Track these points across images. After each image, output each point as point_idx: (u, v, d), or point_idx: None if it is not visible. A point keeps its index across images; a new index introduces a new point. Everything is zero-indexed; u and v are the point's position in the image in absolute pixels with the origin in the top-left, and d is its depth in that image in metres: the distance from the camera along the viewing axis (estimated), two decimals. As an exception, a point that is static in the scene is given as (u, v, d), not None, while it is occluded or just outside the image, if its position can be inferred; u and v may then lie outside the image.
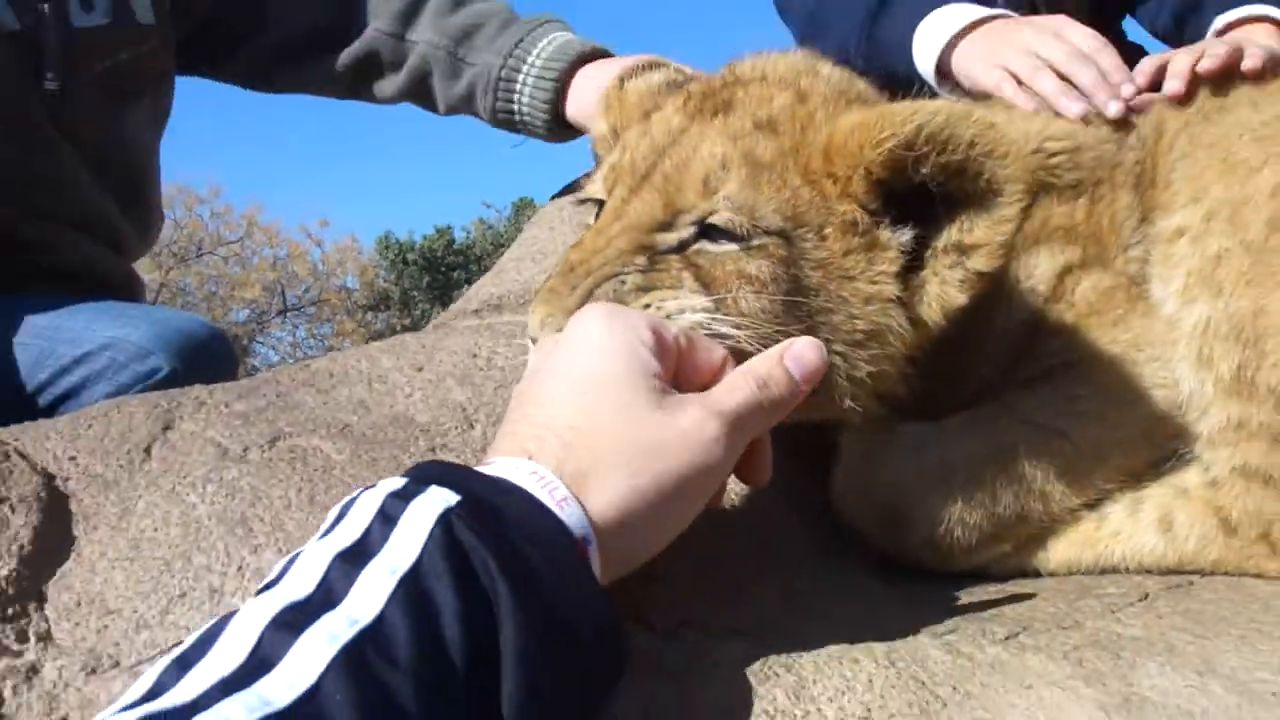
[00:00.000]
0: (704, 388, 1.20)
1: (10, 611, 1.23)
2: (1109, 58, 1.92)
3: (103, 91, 2.76)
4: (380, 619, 0.88)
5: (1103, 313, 1.59)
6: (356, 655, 0.85)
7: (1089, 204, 1.67)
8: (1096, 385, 1.56)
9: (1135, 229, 1.66)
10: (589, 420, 1.10)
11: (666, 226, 1.39)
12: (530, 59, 2.63)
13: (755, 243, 1.38)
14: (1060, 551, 1.53)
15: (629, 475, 1.08)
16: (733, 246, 1.38)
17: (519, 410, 1.16)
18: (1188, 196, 1.59)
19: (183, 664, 0.86)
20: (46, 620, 1.24)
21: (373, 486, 1.02)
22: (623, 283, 1.35)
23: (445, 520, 0.95)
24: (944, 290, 1.43)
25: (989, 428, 1.55)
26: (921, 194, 1.41)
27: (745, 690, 1.14)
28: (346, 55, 2.88)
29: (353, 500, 1.02)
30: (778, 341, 1.28)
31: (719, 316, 1.33)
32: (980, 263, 1.41)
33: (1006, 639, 1.27)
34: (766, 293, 1.37)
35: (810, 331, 1.37)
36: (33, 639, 1.22)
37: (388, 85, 2.92)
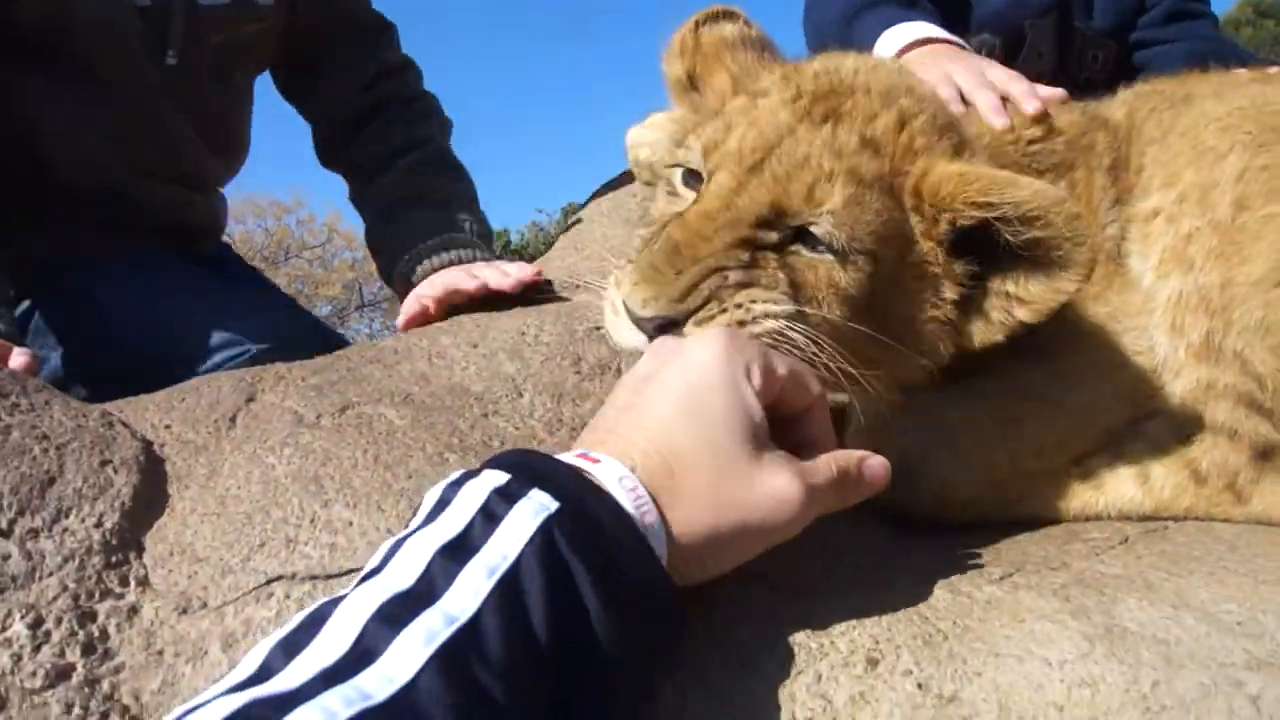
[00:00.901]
0: (790, 421, 1.18)
1: (114, 559, 1.24)
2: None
3: (215, 64, 2.77)
4: (476, 618, 0.84)
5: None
6: (453, 653, 0.82)
7: (1068, 187, 1.65)
8: (1081, 354, 1.56)
9: (1110, 209, 1.66)
10: (693, 452, 1.04)
11: (769, 224, 1.34)
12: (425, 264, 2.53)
13: (850, 258, 1.35)
14: (1051, 502, 1.52)
15: (713, 518, 1.04)
16: (829, 257, 1.35)
17: (630, 412, 1.10)
18: (1162, 181, 1.60)
19: (289, 648, 0.82)
20: (145, 567, 1.26)
21: (476, 475, 0.98)
22: (725, 278, 1.29)
23: (546, 528, 0.91)
24: (987, 328, 1.43)
25: (987, 395, 1.54)
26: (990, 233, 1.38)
27: (763, 624, 1.14)
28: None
29: (456, 487, 0.98)
30: (838, 360, 1.29)
31: (798, 326, 1.29)
32: (1027, 316, 1.40)
33: (1001, 579, 1.26)
34: (849, 306, 1.35)
35: (883, 325, 1.37)
36: (133, 583, 1.23)
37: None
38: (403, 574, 0.88)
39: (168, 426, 1.50)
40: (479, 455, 1.48)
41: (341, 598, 0.88)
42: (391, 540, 0.95)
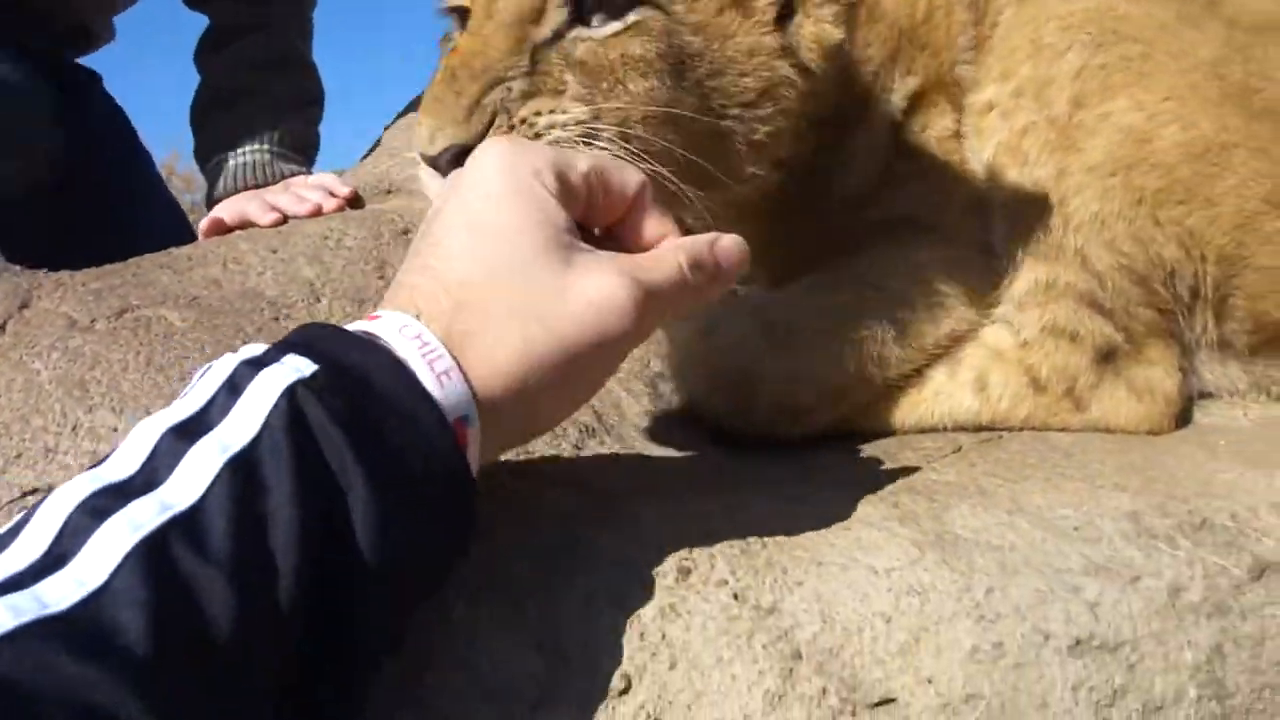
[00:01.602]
0: (620, 223, 1.01)
1: None
2: None
3: None
4: (198, 506, 0.68)
5: (945, 166, 1.50)
6: (158, 546, 0.66)
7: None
8: (935, 248, 1.47)
9: (967, 50, 1.58)
10: (486, 277, 0.87)
11: (538, 16, 1.18)
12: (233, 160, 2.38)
13: (632, 18, 1.19)
14: (890, 412, 1.43)
15: (523, 340, 0.85)
16: (613, 25, 1.19)
17: (417, 258, 0.92)
18: (999, 73, 1.52)
19: None
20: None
21: (234, 353, 0.81)
22: (509, 89, 1.14)
23: (291, 393, 0.74)
24: (820, 29, 1.30)
25: (832, 289, 1.42)
26: None
27: (568, 528, 1.03)
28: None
29: (208, 368, 0.80)
30: (673, 126, 1.17)
31: (600, 127, 1.14)
32: None
33: (825, 487, 1.19)
34: (654, 70, 1.19)
35: (704, 102, 1.23)
36: None
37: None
38: (124, 462, 0.72)
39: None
40: (264, 359, 1.34)
41: (43, 498, 0.71)
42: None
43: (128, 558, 0.64)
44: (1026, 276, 1.43)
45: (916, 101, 1.55)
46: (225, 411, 0.74)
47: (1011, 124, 1.46)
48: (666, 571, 0.99)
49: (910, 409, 1.43)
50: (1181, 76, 1.43)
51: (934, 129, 1.53)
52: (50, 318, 1.41)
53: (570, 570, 0.98)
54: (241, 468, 0.71)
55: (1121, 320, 1.41)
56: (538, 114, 1.14)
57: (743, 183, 1.33)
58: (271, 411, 0.73)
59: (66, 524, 0.67)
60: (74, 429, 1.20)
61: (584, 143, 1.13)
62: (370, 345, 0.82)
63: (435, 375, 0.81)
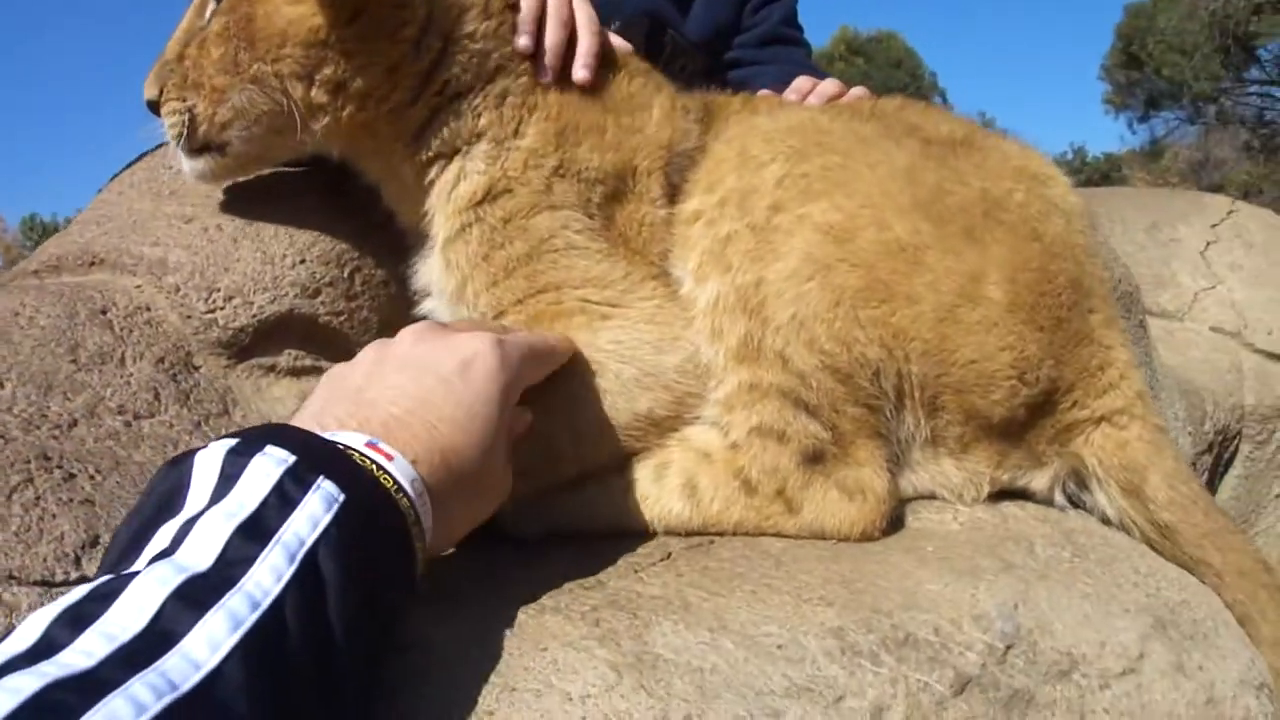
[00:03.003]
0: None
1: None
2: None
3: None
4: (278, 604, 0.80)
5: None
6: (257, 640, 0.76)
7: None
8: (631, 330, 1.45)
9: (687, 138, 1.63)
10: (469, 461, 1.08)
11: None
12: None
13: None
14: (593, 512, 1.38)
15: (468, 517, 1.12)
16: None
17: (412, 401, 1.08)
18: (705, 185, 1.52)
19: (76, 620, 0.74)
20: None
21: (257, 449, 0.91)
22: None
23: (337, 518, 0.87)
24: None
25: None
26: None
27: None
28: None
29: (237, 459, 0.90)
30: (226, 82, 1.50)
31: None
32: None
33: (527, 601, 1.11)
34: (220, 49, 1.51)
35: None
36: None
37: None
38: (199, 553, 0.82)
39: None
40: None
41: (130, 575, 0.79)
42: (181, 521, 0.86)
43: (235, 649, 0.74)
44: (731, 380, 1.40)
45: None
46: (283, 520, 0.85)
47: (715, 232, 1.45)
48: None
49: (618, 514, 1.37)
50: (878, 184, 1.44)
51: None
52: None
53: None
54: (306, 575, 0.83)
55: (829, 419, 1.39)
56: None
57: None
58: (324, 530, 0.86)
59: (165, 607, 0.76)
60: None
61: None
62: (386, 493, 0.95)
63: (423, 528, 0.99)
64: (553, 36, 1.60)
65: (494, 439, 1.11)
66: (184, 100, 1.55)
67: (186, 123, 1.55)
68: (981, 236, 1.45)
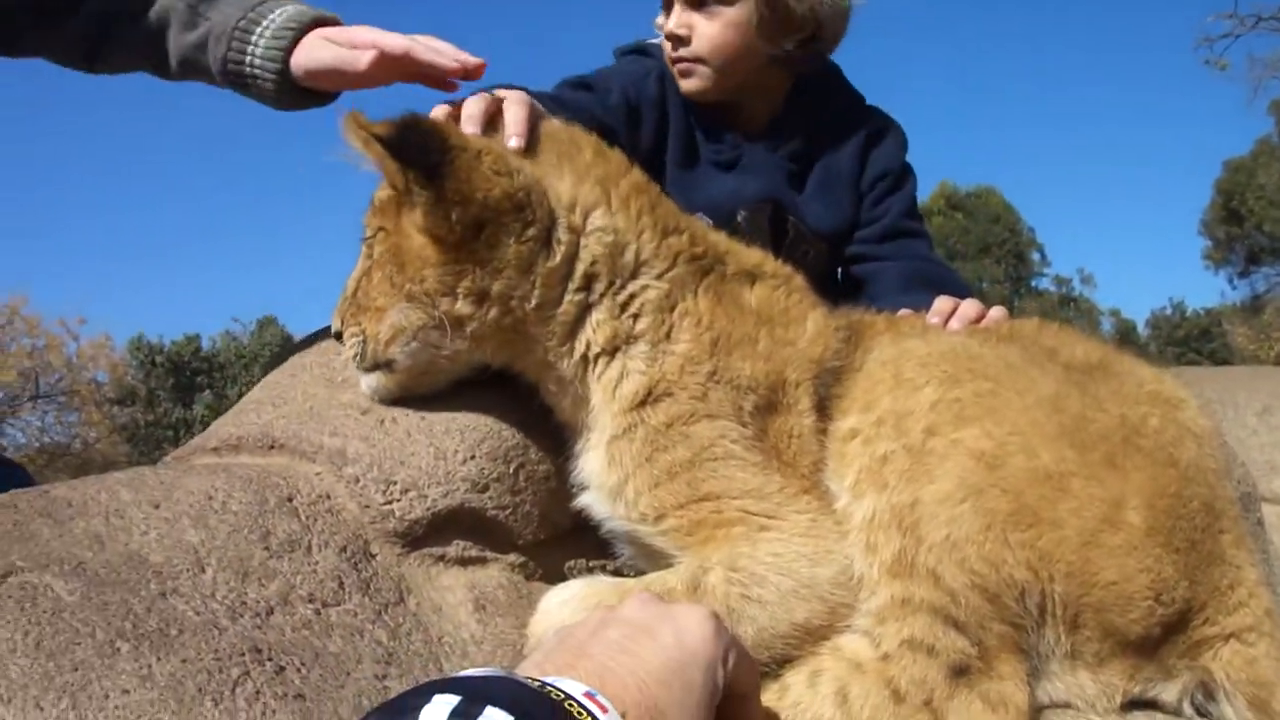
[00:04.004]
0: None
1: None
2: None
3: None
4: None
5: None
6: None
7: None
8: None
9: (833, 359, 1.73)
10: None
11: None
12: (270, 15, 2.24)
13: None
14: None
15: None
16: None
17: (624, 656, 1.15)
18: (861, 404, 1.62)
19: None
20: None
21: (482, 714, 0.97)
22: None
23: None
24: None
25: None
26: None
27: None
28: (84, 17, 2.42)
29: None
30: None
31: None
32: None
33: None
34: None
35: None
36: None
37: (120, 46, 2.46)
38: None
39: None
40: (153, 645, 1.30)
41: None
42: None
43: None
44: (884, 593, 1.47)
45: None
46: None
47: (872, 450, 1.54)
48: None
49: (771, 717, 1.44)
50: (1025, 412, 1.53)
51: None
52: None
53: None
54: None
55: (976, 635, 1.45)
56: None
57: None
58: None
59: None
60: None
61: None
62: None
63: None
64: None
65: (698, 705, 1.14)
66: (358, 324, 1.74)
67: (361, 344, 1.73)
68: (1122, 463, 1.53)
